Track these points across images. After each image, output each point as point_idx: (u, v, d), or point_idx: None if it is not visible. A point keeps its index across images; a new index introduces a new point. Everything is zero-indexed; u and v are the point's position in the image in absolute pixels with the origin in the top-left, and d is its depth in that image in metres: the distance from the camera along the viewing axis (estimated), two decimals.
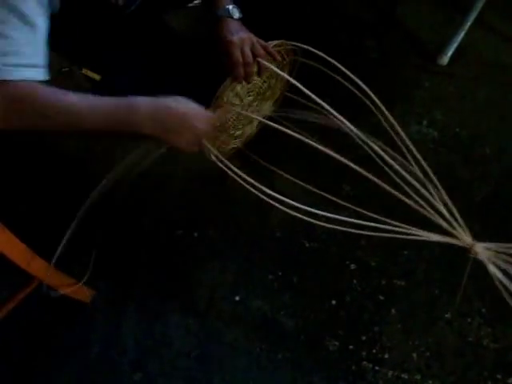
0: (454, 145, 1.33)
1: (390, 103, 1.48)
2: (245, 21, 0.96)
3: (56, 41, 0.81)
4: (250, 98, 1.05)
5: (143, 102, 0.76)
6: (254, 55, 0.91)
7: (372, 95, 0.86)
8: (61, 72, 1.39)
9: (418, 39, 1.56)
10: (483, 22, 1.52)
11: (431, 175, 0.76)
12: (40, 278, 0.95)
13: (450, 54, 1.47)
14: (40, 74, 0.72)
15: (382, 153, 0.75)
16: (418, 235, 0.72)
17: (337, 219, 0.74)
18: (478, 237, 1.19)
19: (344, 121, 0.77)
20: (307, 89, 0.82)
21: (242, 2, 0.96)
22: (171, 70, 1.03)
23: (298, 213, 0.76)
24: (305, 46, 0.97)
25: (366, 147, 0.76)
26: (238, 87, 0.98)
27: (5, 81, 0.68)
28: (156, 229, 1.25)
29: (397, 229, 0.72)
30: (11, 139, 1.43)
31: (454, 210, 0.74)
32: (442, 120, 1.38)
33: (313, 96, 0.81)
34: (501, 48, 1.52)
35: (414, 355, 1.05)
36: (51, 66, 0.76)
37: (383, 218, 0.73)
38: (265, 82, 1.06)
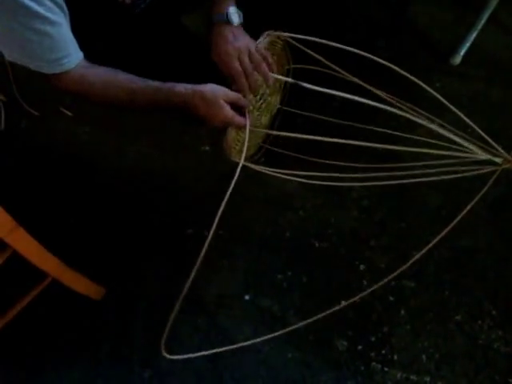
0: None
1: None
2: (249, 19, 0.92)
3: None
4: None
5: (182, 87, 0.82)
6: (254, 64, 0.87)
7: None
8: None
9: (429, 38, 1.54)
10: (496, 20, 1.51)
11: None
12: (52, 275, 0.96)
13: (462, 53, 1.45)
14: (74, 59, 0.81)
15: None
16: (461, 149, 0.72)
17: None
18: (488, 237, 1.19)
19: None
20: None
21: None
22: (185, 69, 1.03)
23: None
24: (291, 35, 0.92)
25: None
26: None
27: (60, 74, 0.79)
28: (166, 227, 1.26)
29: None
30: (22, 140, 1.45)
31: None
32: (454, 121, 1.36)
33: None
34: None
35: (424, 357, 1.05)
36: None
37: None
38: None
